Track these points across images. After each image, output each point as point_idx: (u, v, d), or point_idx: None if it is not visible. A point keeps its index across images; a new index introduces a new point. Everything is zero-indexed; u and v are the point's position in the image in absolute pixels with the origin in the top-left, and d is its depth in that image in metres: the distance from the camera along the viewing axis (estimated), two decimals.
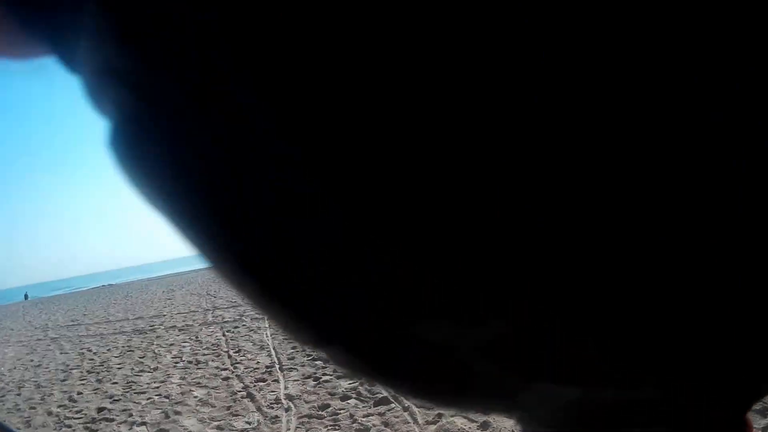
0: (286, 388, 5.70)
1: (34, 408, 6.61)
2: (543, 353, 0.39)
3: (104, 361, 9.17)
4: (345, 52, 0.30)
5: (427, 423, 4.20)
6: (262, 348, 7.96)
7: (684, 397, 0.47)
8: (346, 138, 0.31)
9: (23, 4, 0.37)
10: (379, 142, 0.31)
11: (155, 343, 10.19)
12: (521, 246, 0.33)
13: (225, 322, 11.30)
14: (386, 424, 4.32)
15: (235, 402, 5.57)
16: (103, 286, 52.76)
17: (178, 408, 5.70)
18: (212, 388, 6.26)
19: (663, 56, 0.29)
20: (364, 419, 4.50)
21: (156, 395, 6.39)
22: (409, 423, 4.26)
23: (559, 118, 0.30)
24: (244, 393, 5.81)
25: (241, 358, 7.57)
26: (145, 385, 6.96)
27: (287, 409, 5.03)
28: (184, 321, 12.64)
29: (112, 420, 5.68)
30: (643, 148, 0.31)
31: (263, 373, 6.46)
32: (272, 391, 5.68)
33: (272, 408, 5.14)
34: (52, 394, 7.29)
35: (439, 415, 4.25)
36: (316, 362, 6.42)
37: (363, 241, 0.34)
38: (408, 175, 0.31)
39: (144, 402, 6.19)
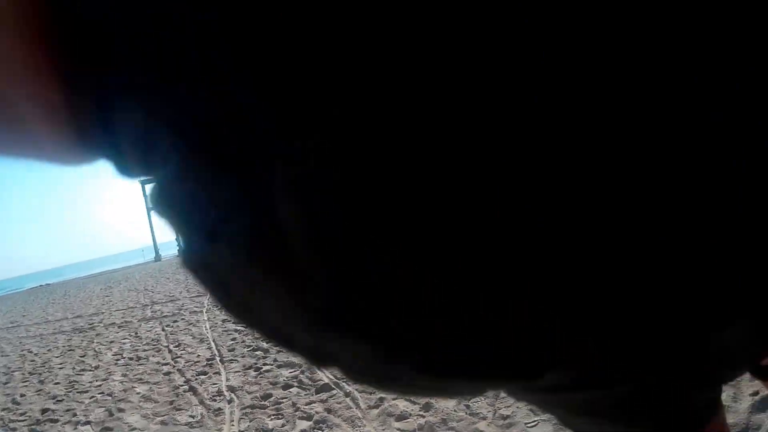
0: (227, 380, 5.66)
1: None
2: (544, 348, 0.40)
3: (45, 362, 8.94)
4: (346, 53, 0.30)
5: (370, 407, 4.20)
6: (201, 341, 7.88)
7: (661, 388, 0.50)
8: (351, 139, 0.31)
9: (88, 121, 0.37)
10: (381, 145, 0.31)
11: (95, 341, 9.98)
12: (521, 244, 0.33)
13: (164, 316, 11.13)
14: (329, 411, 4.32)
15: (177, 396, 5.51)
16: (40, 285, 51.44)
17: (122, 405, 5.61)
18: (154, 384, 6.19)
19: (663, 57, 0.29)
20: (306, 407, 4.49)
21: (99, 393, 6.27)
22: (351, 408, 4.26)
23: (559, 119, 0.30)
24: (186, 387, 5.75)
25: (182, 352, 7.48)
26: (88, 384, 6.83)
27: (230, 401, 5.01)
28: (123, 317, 12.39)
29: (57, 420, 5.57)
30: (642, 148, 0.30)
31: (204, 366, 6.39)
32: (214, 384, 5.64)
33: (215, 400, 5.11)
34: None
35: (381, 399, 4.26)
36: (256, 353, 6.39)
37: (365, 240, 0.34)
38: (409, 175, 0.31)
39: (87, 401, 6.07)
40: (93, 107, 0.36)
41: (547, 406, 0.60)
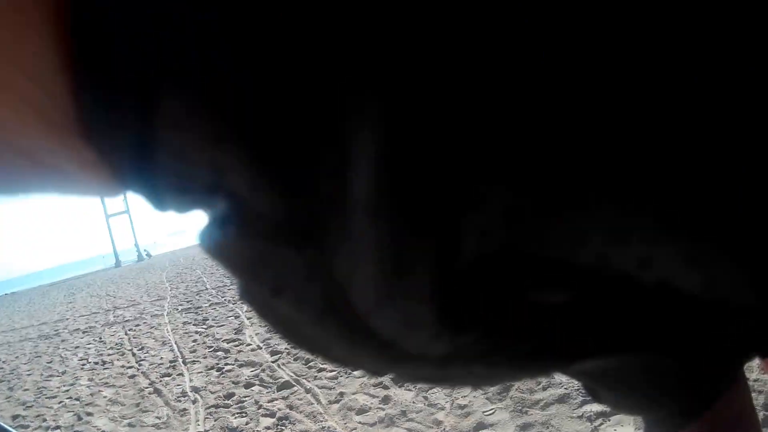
0: (191, 380, 5.66)
1: None
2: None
3: (14, 369, 8.79)
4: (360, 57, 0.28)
5: (330, 402, 4.22)
6: (164, 344, 7.84)
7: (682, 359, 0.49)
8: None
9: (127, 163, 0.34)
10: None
11: (61, 347, 9.84)
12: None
13: (126, 321, 11.00)
14: (291, 407, 4.33)
15: (143, 398, 5.50)
16: (5, 294, 50.09)
17: (89, 409, 5.58)
18: (120, 387, 6.15)
19: (663, 58, 0.28)
20: (269, 404, 4.51)
21: (67, 398, 6.22)
22: (313, 404, 4.27)
23: (562, 120, 0.29)
24: (151, 389, 5.74)
25: (145, 355, 7.44)
26: (56, 390, 6.75)
27: (194, 401, 5.01)
28: (86, 323, 12.21)
29: (27, 426, 5.52)
30: (643, 148, 0.30)
31: (168, 368, 6.38)
32: (178, 385, 5.63)
33: (180, 401, 5.11)
34: None
35: (341, 394, 4.29)
36: (218, 353, 6.39)
37: None
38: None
39: (56, 406, 6.01)
40: (131, 147, 0.33)
41: (567, 373, 0.55)
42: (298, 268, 0.34)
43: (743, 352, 0.55)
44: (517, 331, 0.37)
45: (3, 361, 9.74)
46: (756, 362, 0.65)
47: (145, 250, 50.57)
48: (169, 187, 0.34)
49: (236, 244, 0.35)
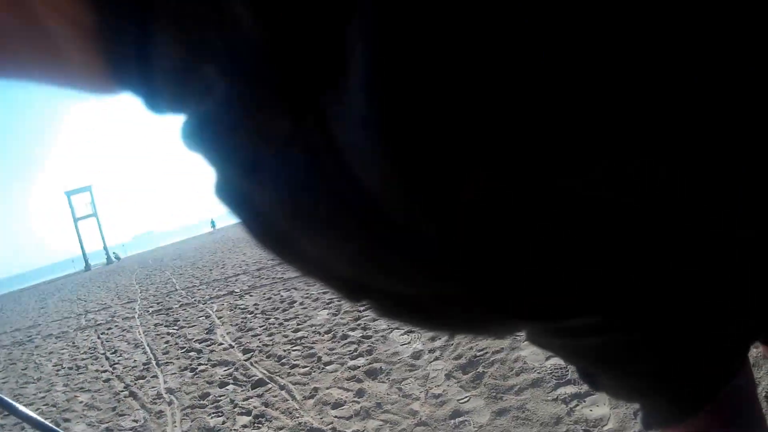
0: (165, 382, 5.59)
1: None
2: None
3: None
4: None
5: (305, 398, 4.19)
6: (136, 346, 7.74)
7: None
8: None
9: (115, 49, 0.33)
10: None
11: (35, 353, 9.64)
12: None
13: (98, 324, 10.84)
14: (266, 405, 4.29)
15: (119, 402, 5.41)
16: None
17: (66, 415, 5.48)
18: (95, 391, 6.05)
19: (663, 60, 0.27)
20: (244, 402, 4.46)
21: (44, 405, 6.09)
22: (288, 401, 4.24)
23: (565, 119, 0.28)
24: (127, 392, 5.64)
25: (119, 358, 7.33)
26: (32, 396, 6.61)
27: (170, 403, 4.94)
28: (59, 328, 12.00)
29: None
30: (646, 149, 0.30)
31: (142, 371, 6.29)
32: (153, 387, 5.56)
33: (155, 403, 5.04)
34: None
35: (316, 390, 4.26)
36: (190, 354, 6.33)
37: None
38: None
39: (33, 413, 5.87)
40: (129, 31, 0.32)
41: (567, 354, 0.57)
42: (281, 133, 0.32)
43: (747, 337, 0.56)
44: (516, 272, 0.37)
45: None
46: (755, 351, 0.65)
47: (114, 253, 50.10)
48: (166, 77, 0.34)
49: (218, 119, 0.34)
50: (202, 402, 4.74)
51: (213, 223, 58.05)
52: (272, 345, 5.73)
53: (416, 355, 4.30)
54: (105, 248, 51.56)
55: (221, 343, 6.43)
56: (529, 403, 3.23)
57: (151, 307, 11.11)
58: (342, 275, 0.40)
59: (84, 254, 50.42)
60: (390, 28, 0.26)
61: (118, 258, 48.77)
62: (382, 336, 4.95)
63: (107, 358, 7.52)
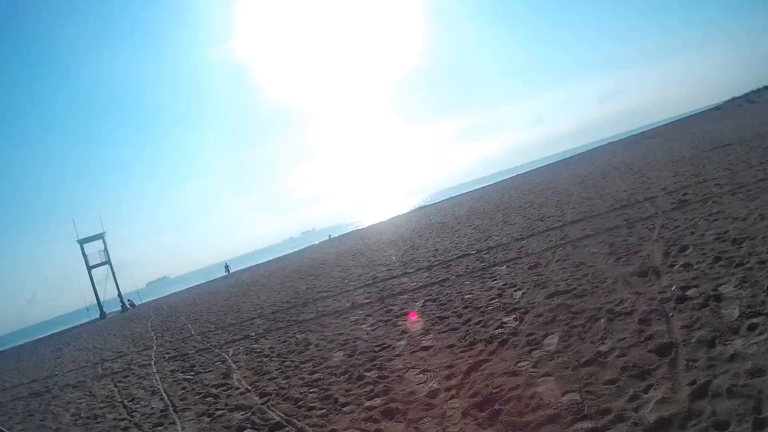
0: (183, 428, 5.55)
1: None
2: None
3: (7, 430, 8.54)
4: None
5: None
6: (153, 393, 7.71)
7: None
8: None
9: None
10: None
11: (52, 403, 9.61)
12: None
13: (115, 372, 10.82)
14: None
15: None
16: None
17: None
18: None
19: None
20: None
21: None
22: None
23: None
24: None
25: (136, 405, 7.30)
26: None
27: None
28: (76, 377, 11.97)
29: None
30: None
31: (159, 418, 6.26)
32: None
33: None
34: None
35: (333, 431, 4.22)
36: (207, 399, 6.29)
37: None
38: None
39: None
40: None
41: None
42: None
43: None
44: None
45: None
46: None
47: (128, 300, 49.99)
48: None
49: None
50: None
51: (227, 267, 58.05)
52: (289, 388, 5.68)
53: (432, 393, 4.25)
54: (119, 295, 51.54)
55: (238, 387, 6.39)
56: None
57: (167, 353, 11.09)
58: None
59: (99, 302, 50.33)
60: None
61: (132, 305, 48.71)
62: (398, 376, 4.91)
63: (125, 406, 7.47)
